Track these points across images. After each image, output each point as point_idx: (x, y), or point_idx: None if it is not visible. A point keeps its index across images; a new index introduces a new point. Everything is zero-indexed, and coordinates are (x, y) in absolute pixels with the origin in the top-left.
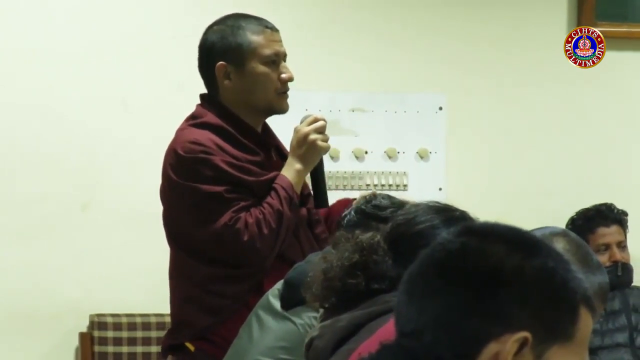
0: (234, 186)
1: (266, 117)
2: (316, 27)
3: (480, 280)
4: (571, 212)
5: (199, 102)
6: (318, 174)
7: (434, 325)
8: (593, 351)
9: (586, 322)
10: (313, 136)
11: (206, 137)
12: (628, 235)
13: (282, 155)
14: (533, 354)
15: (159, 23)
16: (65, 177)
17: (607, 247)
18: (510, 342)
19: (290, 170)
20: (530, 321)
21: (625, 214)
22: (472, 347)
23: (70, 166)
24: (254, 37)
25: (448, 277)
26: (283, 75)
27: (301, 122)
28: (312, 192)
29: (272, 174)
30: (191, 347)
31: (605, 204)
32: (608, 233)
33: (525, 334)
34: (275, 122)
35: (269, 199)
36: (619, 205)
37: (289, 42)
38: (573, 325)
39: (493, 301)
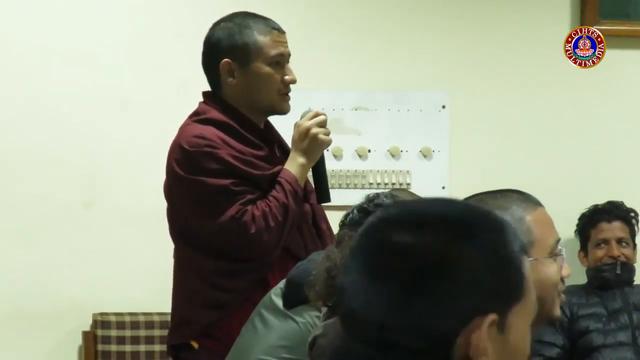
0: (240, 179)
1: (266, 117)
2: (319, 25)
3: (426, 277)
4: (575, 210)
5: (201, 100)
6: (320, 169)
7: (402, 336)
8: (596, 349)
9: (528, 269)
10: (315, 130)
11: (211, 131)
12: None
13: (285, 151)
14: (498, 327)
15: (161, 22)
16: (68, 177)
17: (607, 242)
18: (483, 329)
19: (294, 165)
20: (491, 298)
21: (633, 212)
22: (445, 345)
23: (72, 165)
24: (260, 37)
25: (395, 282)
26: (286, 77)
27: (301, 118)
28: (314, 187)
29: (277, 168)
30: (195, 345)
31: (615, 201)
32: (608, 228)
33: (493, 316)
34: (276, 121)
35: (274, 193)
36: (624, 202)
37: (292, 41)
38: (522, 281)
39: (446, 294)
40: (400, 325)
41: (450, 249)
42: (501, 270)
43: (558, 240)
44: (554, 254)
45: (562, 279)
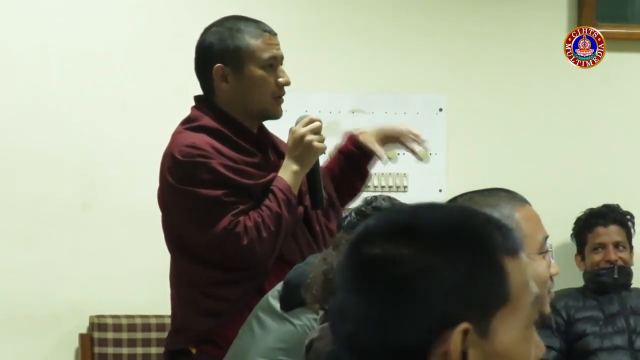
0: (232, 189)
1: (260, 122)
2: (316, 28)
3: (396, 290)
4: (572, 213)
5: (193, 105)
6: (314, 174)
7: (372, 347)
8: (593, 352)
9: (516, 271)
10: (309, 137)
11: (203, 140)
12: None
13: (280, 154)
14: (477, 334)
15: (161, 22)
16: (65, 178)
17: (604, 246)
18: (453, 341)
19: (287, 172)
20: (463, 307)
21: (629, 215)
22: (419, 357)
23: (70, 167)
24: (252, 41)
25: (367, 294)
26: (280, 80)
27: (296, 123)
28: (308, 192)
29: (270, 176)
30: (193, 350)
31: (611, 205)
32: (604, 233)
33: (464, 325)
34: (272, 123)
35: (267, 202)
36: (620, 205)
37: (289, 44)
38: (504, 285)
39: (416, 306)
40: (370, 336)
41: (415, 260)
42: (473, 279)
43: (546, 237)
44: (542, 251)
45: (550, 277)
